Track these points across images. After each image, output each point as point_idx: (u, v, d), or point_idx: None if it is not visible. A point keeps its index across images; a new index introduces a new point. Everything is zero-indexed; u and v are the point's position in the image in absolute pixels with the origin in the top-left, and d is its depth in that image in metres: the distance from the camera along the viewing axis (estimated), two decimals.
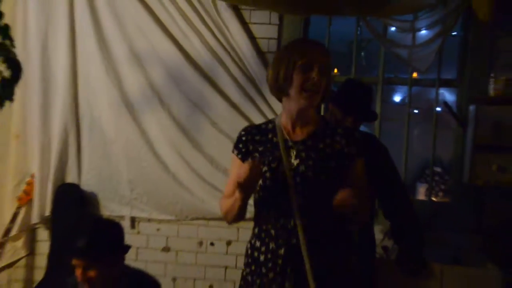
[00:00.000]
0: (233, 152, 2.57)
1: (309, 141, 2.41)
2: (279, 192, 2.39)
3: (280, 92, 2.42)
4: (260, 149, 2.48)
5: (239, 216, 2.48)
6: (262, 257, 2.41)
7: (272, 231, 2.40)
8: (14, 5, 4.26)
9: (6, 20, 3.88)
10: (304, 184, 2.34)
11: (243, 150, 2.53)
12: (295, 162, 2.37)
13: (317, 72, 2.31)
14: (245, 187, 2.27)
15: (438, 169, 4.68)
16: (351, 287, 2.44)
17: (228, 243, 4.31)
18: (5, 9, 3.85)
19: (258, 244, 2.45)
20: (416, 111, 5.54)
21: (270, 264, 2.39)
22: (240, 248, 4.11)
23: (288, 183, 2.35)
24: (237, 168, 2.49)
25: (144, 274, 3.11)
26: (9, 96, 2.73)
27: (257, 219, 2.52)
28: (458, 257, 3.80)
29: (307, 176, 2.33)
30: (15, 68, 2.64)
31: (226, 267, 4.30)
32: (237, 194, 2.34)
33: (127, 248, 2.94)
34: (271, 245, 2.39)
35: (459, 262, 3.73)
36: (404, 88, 5.15)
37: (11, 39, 2.61)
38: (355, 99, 3.34)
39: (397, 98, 6.58)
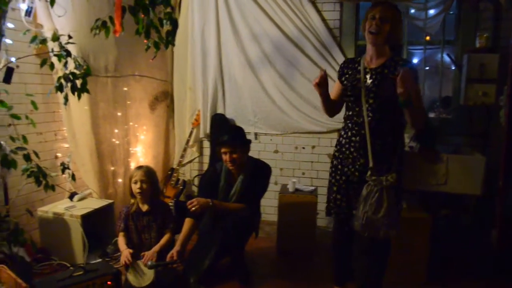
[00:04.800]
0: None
1: (378, 68, 2.40)
2: (356, 99, 2.43)
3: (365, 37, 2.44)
4: (349, 72, 2.52)
5: (327, 110, 2.60)
6: (344, 141, 2.52)
7: (350, 125, 2.48)
8: (187, 10, 4.42)
9: (182, 18, 4.34)
10: (370, 95, 2.37)
11: (340, 72, 2.59)
12: (369, 81, 2.39)
13: (377, 20, 2.31)
14: (317, 86, 2.43)
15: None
16: (393, 163, 2.37)
17: (313, 147, 4.37)
18: (182, 14, 4.40)
19: (343, 133, 2.54)
20: (427, 68, 5.33)
21: (347, 145, 2.48)
22: (320, 150, 4.35)
23: (362, 94, 2.39)
24: (336, 85, 2.62)
25: (261, 161, 3.26)
26: (172, 42, 2.72)
27: (344, 118, 2.57)
28: (457, 150, 3.77)
29: (372, 90, 2.37)
30: (174, 23, 2.59)
31: (311, 162, 4.40)
32: (318, 93, 2.48)
33: (250, 140, 3.12)
34: (349, 133, 2.48)
35: (458, 153, 3.65)
36: (420, 53, 4.92)
37: (172, 8, 2.56)
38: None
39: (415, 60, 6.43)
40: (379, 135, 2.39)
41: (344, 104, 2.62)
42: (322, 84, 2.43)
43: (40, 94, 3.44)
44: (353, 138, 2.45)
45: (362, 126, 2.41)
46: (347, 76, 2.54)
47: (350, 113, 2.51)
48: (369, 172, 2.34)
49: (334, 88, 2.66)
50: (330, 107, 2.63)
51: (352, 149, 2.46)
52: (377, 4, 2.41)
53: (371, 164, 2.35)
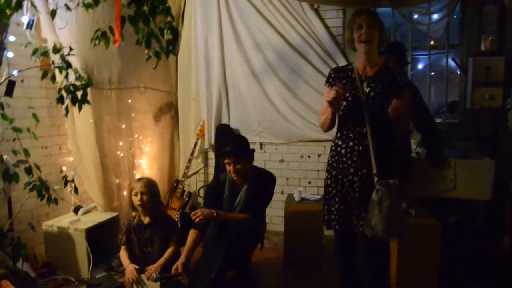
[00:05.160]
0: (325, 85, 2.52)
1: (376, 76, 2.37)
2: (357, 109, 2.37)
3: (351, 47, 2.42)
4: (343, 81, 2.44)
5: (330, 125, 2.49)
6: (343, 151, 2.43)
7: (351, 135, 2.41)
8: (190, 21, 4.42)
9: (185, 29, 4.38)
10: (372, 104, 2.32)
11: (332, 82, 2.48)
12: (367, 90, 2.36)
13: (366, 28, 2.29)
14: (332, 103, 2.28)
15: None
16: (399, 171, 2.36)
17: (319, 155, 4.31)
18: (185, 25, 4.42)
19: (340, 143, 2.46)
20: (432, 73, 5.25)
21: (349, 155, 2.40)
22: (326, 158, 4.28)
23: (362, 104, 2.34)
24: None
25: (265, 170, 3.20)
26: (173, 52, 2.64)
27: (340, 128, 2.50)
28: (465, 155, 3.62)
29: (375, 99, 2.33)
30: (175, 33, 2.53)
31: (318, 171, 4.32)
32: (329, 109, 2.36)
33: (253, 150, 3.07)
34: (350, 143, 2.40)
35: (466, 157, 3.52)
36: (425, 58, 4.90)
37: (172, 17, 2.48)
38: (397, 48, 3.37)
39: (420, 66, 6.37)
40: (382, 143, 2.35)
41: (338, 115, 2.55)
42: (336, 102, 2.32)
43: (45, 108, 3.45)
44: (356, 148, 2.40)
45: (365, 135, 2.36)
46: (341, 86, 2.42)
47: (351, 123, 2.43)
48: (376, 179, 2.29)
49: (324, 101, 2.48)
50: (332, 123, 2.53)
51: (355, 158, 2.40)
52: (360, 13, 2.39)
53: (375, 171, 2.30)
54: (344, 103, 2.42)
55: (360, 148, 2.38)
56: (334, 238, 2.70)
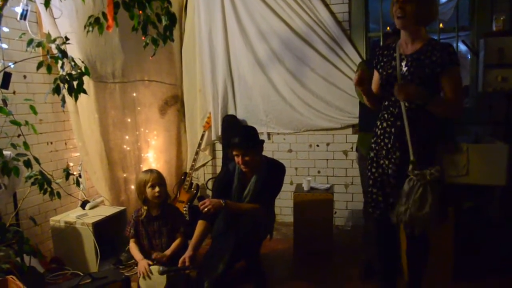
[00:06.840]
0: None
1: (415, 54, 2.24)
2: (391, 88, 2.27)
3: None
4: (385, 59, 2.38)
5: (370, 103, 2.47)
6: (379, 132, 2.37)
7: (386, 116, 2.34)
8: (193, 12, 4.34)
9: (188, 21, 4.33)
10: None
11: (375, 60, 2.43)
12: (404, 69, 2.25)
13: (400, 3, 2.17)
14: (358, 84, 2.29)
15: None
16: (435, 155, 2.24)
17: (327, 144, 4.21)
18: (188, 17, 4.36)
19: (378, 123, 2.40)
20: None
21: (382, 137, 2.34)
22: (335, 147, 4.20)
23: (395, 82, 2.24)
24: (375, 75, 2.47)
25: (275, 160, 3.13)
26: (171, 38, 2.55)
27: (381, 108, 2.41)
28: (478, 139, 3.57)
29: (407, 79, 2.21)
30: (172, 18, 2.47)
31: (327, 160, 4.24)
32: (357, 88, 2.36)
33: (262, 141, 2.98)
34: (384, 124, 2.34)
35: (478, 142, 3.48)
36: None
37: (169, 2, 2.42)
38: None
39: None
40: (416, 125, 2.22)
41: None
42: (362, 83, 2.31)
43: (49, 104, 3.41)
44: (388, 129, 2.31)
45: (398, 116, 2.26)
46: (382, 64, 2.39)
47: (386, 103, 2.35)
48: (410, 166, 2.16)
49: (374, 79, 2.51)
50: (376, 101, 2.46)
51: (386, 141, 2.31)
52: None
53: (412, 158, 2.16)
54: (381, 82, 2.35)
55: (393, 129, 2.28)
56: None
